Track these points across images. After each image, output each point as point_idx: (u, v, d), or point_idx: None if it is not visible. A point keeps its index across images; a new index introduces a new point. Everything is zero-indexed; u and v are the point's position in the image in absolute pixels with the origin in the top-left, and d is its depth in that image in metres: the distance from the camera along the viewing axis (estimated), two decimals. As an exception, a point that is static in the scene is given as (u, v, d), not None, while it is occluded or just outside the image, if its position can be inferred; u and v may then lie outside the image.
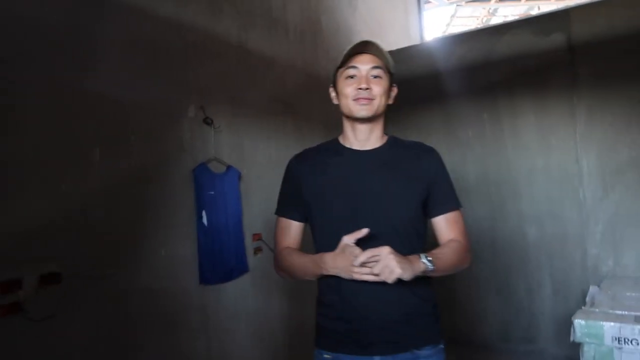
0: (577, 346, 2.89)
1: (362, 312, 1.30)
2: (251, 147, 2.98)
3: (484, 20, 11.67)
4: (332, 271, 1.28)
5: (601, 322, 2.23)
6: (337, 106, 1.47)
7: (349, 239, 1.24)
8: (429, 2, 6.05)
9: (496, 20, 11.75)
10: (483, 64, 3.52)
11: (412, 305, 1.32)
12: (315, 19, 3.70)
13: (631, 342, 2.15)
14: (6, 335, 1.74)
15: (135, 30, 2.33)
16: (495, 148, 3.47)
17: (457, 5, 8.93)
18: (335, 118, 4.14)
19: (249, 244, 2.87)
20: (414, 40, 5.39)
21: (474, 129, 3.55)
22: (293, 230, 1.50)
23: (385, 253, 1.17)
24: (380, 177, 1.37)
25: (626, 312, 2.31)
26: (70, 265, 1.95)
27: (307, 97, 3.50)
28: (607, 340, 2.20)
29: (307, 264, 1.36)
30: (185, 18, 2.60)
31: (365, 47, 1.38)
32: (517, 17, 5.37)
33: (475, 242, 3.55)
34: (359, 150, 1.43)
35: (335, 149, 1.48)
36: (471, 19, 11.46)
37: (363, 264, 1.18)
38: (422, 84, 3.73)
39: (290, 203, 1.50)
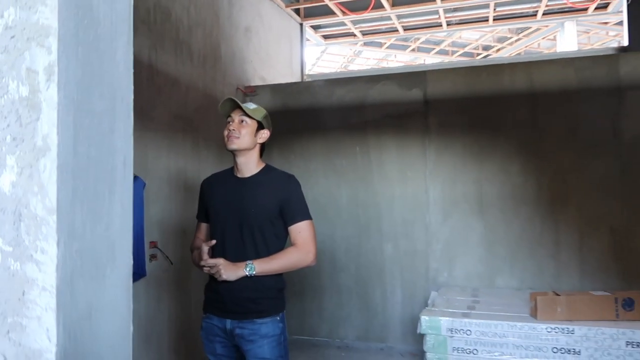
0: (418, 342, 3.59)
1: (222, 290, 1.94)
2: (154, 159, 3.17)
3: (349, 59, 12.93)
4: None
5: (439, 318, 2.91)
6: None
7: (205, 246, 1.93)
8: (308, 40, 6.70)
9: (359, 61, 13.12)
10: (359, 105, 4.17)
11: (254, 290, 1.92)
12: (215, 45, 4.01)
13: (459, 332, 2.85)
14: None
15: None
16: (364, 176, 4.12)
17: (329, 44, 9.86)
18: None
19: (146, 250, 3.03)
20: (295, 71, 5.96)
21: (348, 159, 4.17)
22: (203, 228, 2.16)
23: (218, 263, 1.87)
24: (249, 196, 2.00)
25: (457, 310, 3.03)
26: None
27: (205, 117, 3.77)
28: (443, 331, 2.88)
29: (195, 254, 2.04)
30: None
31: (236, 104, 2.01)
32: (386, 70, 6.26)
33: (343, 255, 4.14)
34: (240, 178, 2.05)
35: (229, 175, 2.10)
36: (338, 57, 12.62)
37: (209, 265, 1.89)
38: (306, 116, 4.25)
39: (201, 210, 2.16)
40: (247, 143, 1.98)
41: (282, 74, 5.45)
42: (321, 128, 4.23)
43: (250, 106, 2.03)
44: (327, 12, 5.91)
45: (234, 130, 1.96)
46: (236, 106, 2.01)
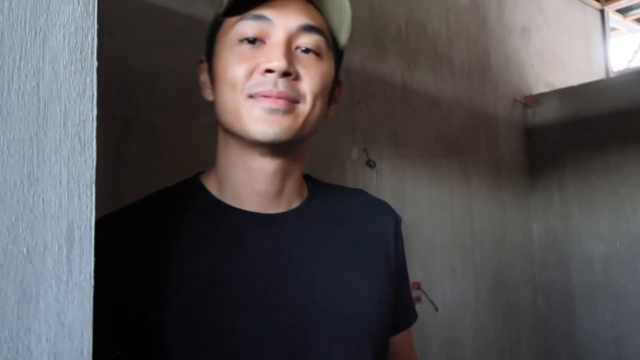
0: None
1: None
2: (413, 190, 2.85)
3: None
4: None
5: None
6: (213, 109, 0.71)
7: None
8: (615, 29, 5.34)
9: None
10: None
11: None
12: (483, 53, 3.48)
13: None
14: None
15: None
16: None
17: (648, 30, 7.80)
18: (505, 160, 3.77)
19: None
20: (596, 73, 4.77)
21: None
22: None
23: None
24: (320, 268, 0.70)
25: None
26: None
27: (474, 138, 3.26)
28: None
29: None
30: (352, 61, 2.62)
31: None
32: None
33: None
34: (262, 216, 0.69)
35: (203, 210, 0.70)
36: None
37: None
38: (611, 123, 3.21)
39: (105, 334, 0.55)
40: (316, 121, 0.70)
41: (577, 75, 4.41)
42: (636, 136, 3.12)
43: None
44: (638, -13, 4.58)
45: (289, 75, 0.64)
46: None
